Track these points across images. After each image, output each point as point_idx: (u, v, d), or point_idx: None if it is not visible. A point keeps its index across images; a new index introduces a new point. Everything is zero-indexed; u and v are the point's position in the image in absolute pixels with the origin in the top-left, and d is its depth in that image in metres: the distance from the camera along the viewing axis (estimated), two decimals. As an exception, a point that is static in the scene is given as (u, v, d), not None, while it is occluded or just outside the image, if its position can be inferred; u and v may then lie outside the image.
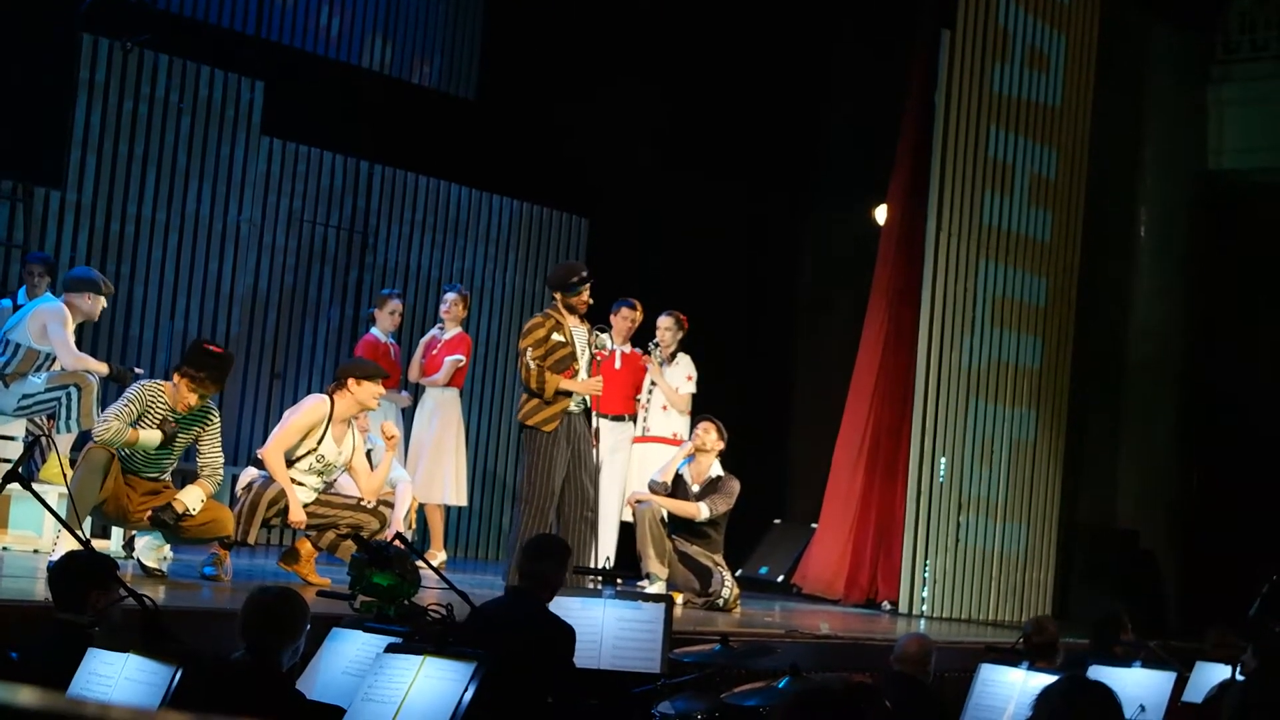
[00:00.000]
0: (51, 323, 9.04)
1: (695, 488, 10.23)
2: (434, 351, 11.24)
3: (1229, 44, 14.72)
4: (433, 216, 13.56)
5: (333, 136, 12.84)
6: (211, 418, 8.40)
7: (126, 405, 8.11)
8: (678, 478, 10.25)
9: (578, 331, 9.65)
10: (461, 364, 11.21)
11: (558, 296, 9.69)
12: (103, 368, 9.33)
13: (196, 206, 12.05)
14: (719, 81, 14.16)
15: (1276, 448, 14.08)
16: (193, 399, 8.23)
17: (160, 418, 8.18)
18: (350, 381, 8.80)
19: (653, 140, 13.97)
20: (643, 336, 11.23)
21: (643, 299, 11.18)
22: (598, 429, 10.02)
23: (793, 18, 14.30)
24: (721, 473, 10.29)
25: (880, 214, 13.26)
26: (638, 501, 10.17)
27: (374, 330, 11.23)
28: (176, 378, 8.25)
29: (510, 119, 13.79)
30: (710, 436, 10.26)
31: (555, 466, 9.46)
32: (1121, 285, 14.26)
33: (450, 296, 11.31)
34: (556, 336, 9.54)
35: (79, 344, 9.44)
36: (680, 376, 11.11)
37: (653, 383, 11.11)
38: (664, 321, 11.17)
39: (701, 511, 10.11)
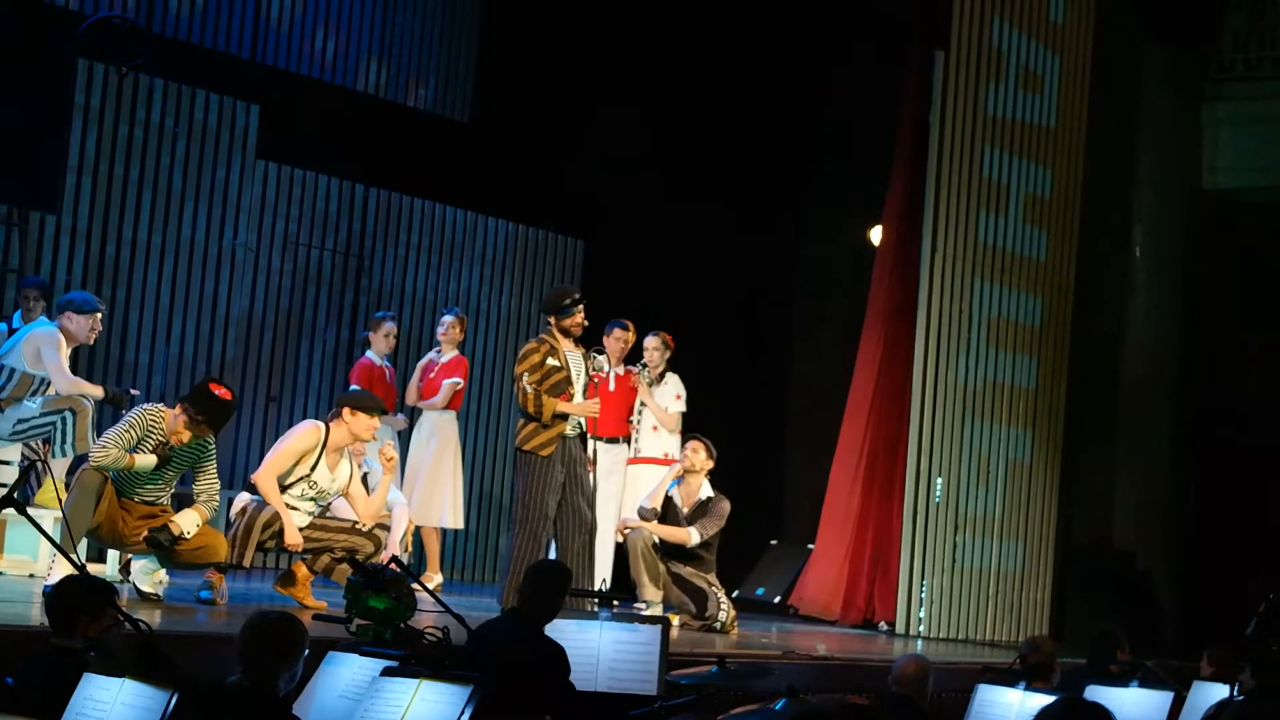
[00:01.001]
0: (45, 347, 9.01)
1: (685, 510, 10.21)
2: (431, 375, 11.24)
3: (1223, 63, 14.74)
4: (428, 239, 13.56)
5: (328, 159, 12.84)
6: (208, 446, 8.40)
7: (126, 430, 8.11)
8: (667, 500, 10.23)
9: (572, 356, 9.66)
10: (459, 387, 11.21)
11: (552, 320, 9.72)
12: (98, 391, 9.32)
13: (192, 230, 12.05)
14: (714, 103, 14.17)
15: (1273, 466, 14.08)
16: (185, 436, 8.22)
17: (157, 441, 8.17)
18: (346, 411, 8.80)
19: (648, 162, 13.97)
20: (636, 357, 11.24)
21: (639, 320, 11.18)
22: (595, 451, 10.02)
23: (788, 40, 14.32)
24: (712, 493, 10.26)
25: (875, 234, 13.28)
26: (628, 529, 10.16)
27: (369, 353, 11.22)
28: (178, 409, 8.23)
29: (505, 141, 13.80)
30: (699, 456, 10.24)
31: (549, 490, 9.46)
32: (1117, 304, 14.26)
33: (447, 319, 11.31)
34: (551, 361, 9.55)
35: (74, 368, 9.42)
36: (669, 396, 11.12)
37: (642, 403, 11.13)
38: (650, 342, 11.18)
39: (692, 537, 10.09)
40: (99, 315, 9.34)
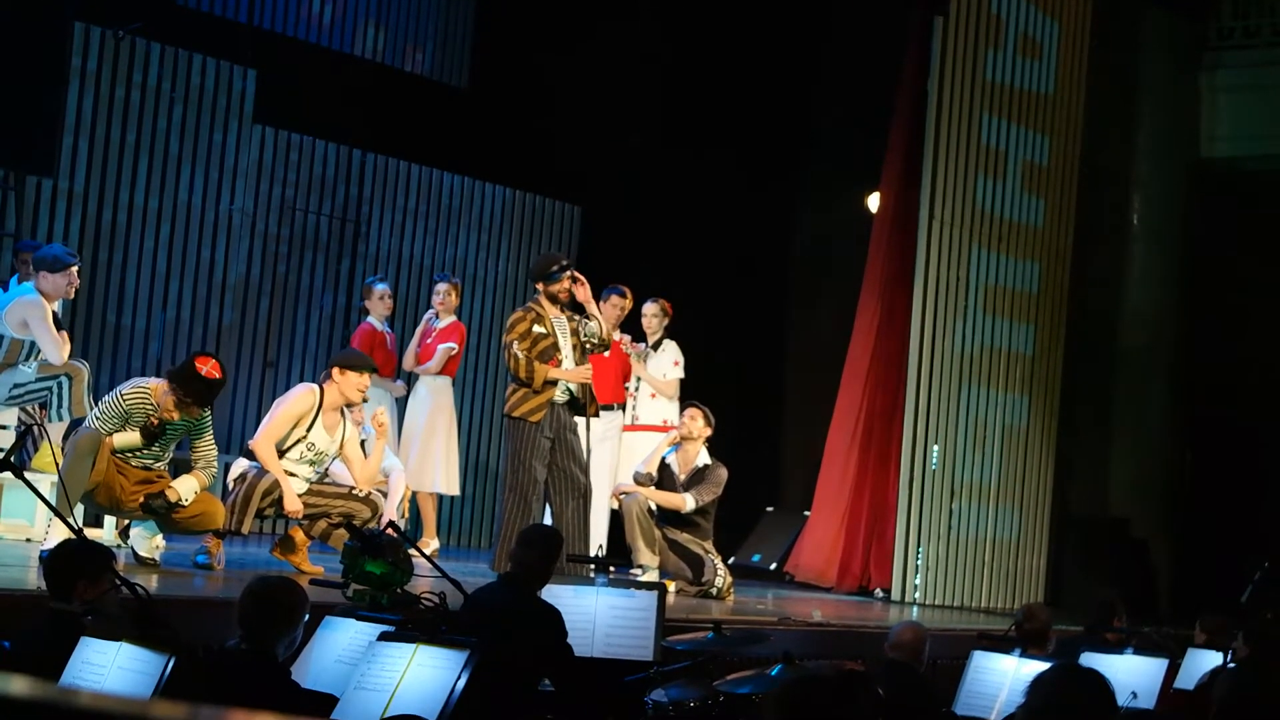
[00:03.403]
0: (31, 319, 8.84)
1: (682, 477, 10.21)
2: (428, 340, 11.23)
3: (1222, 30, 14.72)
4: (425, 204, 13.55)
5: (325, 124, 12.82)
6: (203, 414, 8.37)
7: (108, 419, 8.06)
8: (665, 467, 10.23)
9: (558, 322, 9.68)
10: (455, 352, 11.20)
11: (540, 287, 9.74)
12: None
13: (189, 195, 12.04)
14: (711, 69, 14.14)
15: (1269, 434, 14.10)
16: (176, 415, 8.19)
17: (144, 418, 8.14)
18: (335, 371, 8.78)
19: (645, 128, 13.96)
20: (633, 325, 11.22)
21: (636, 286, 11.17)
22: (590, 417, 10.01)
23: (785, 5, 14.28)
24: (709, 460, 10.25)
25: (873, 201, 13.26)
26: (623, 494, 10.17)
27: (370, 319, 11.22)
28: (166, 385, 8.17)
29: (502, 107, 13.77)
30: (697, 424, 10.22)
31: (536, 455, 9.48)
32: (1114, 272, 14.26)
33: (442, 287, 11.28)
34: (538, 329, 9.57)
35: (71, 334, 9.35)
36: (667, 363, 11.11)
37: (638, 376, 11.14)
38: (649, 309, 11.17)
39: (687, 503, 10.08)
40: (74, 269, 9.05)
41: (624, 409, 11.14)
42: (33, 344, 9.02)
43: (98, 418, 8.11)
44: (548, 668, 6.16)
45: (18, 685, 2.23)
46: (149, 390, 8.18)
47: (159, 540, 8.39)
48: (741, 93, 14.32)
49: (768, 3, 14.22)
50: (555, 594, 6.44)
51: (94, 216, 11.58)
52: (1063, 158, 13.18)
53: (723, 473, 10.22)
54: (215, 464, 8.48)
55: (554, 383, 9.58)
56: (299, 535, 8.80)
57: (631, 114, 13.91)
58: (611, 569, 7.80)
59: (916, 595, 12.08)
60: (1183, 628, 9.45)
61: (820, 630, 9.19)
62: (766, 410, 14.79)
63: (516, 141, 13.82)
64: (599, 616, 6.66)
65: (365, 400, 9.19)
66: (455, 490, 11.40)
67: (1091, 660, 6.92)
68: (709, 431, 10.28)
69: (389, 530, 6.02)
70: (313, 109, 12.74)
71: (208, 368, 8.15)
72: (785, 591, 12.15)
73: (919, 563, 12.13)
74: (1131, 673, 7.14)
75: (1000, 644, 6.96)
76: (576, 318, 9.89)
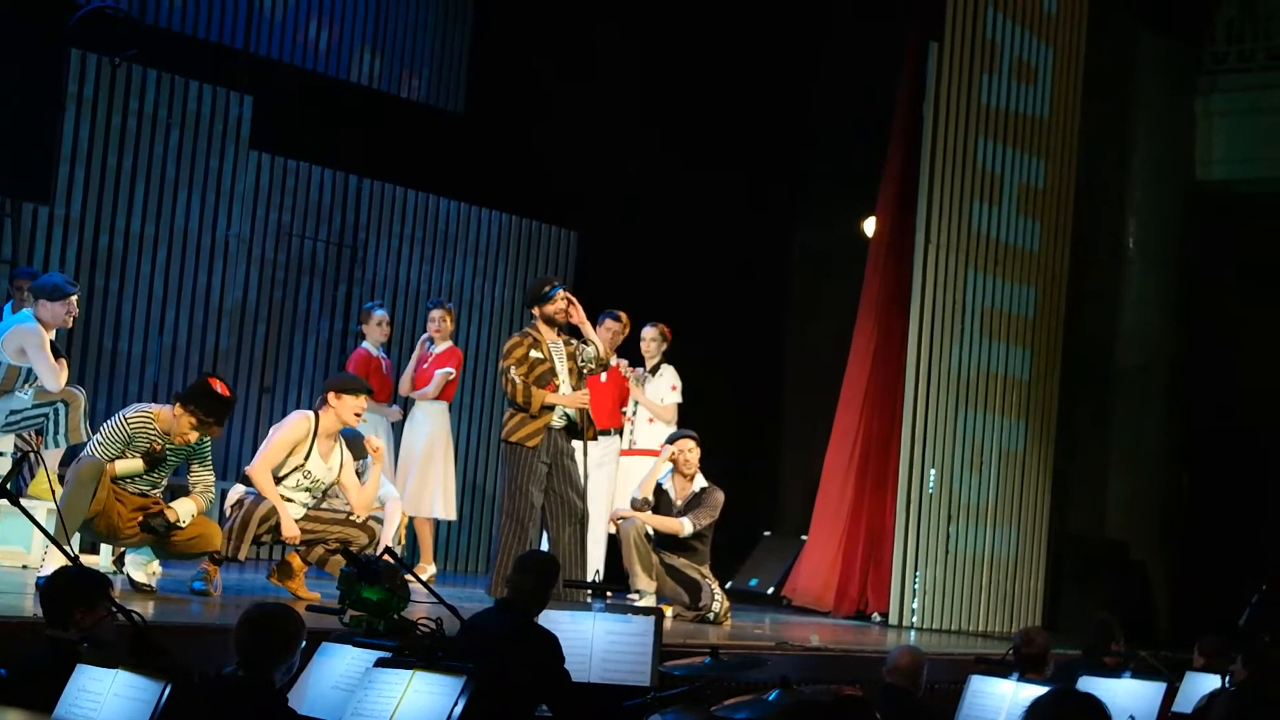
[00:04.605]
0: (29, 347, 8.78)
1: (679, 502, 10.19)
2: (425, 365, 11.24)
3: (1216, 54, 14.77)
4: (421, 230, 13.55)
5: (321, 150, 12.82)
6: (203, 439, 8.36)
7: (111, 444, 8.05)
8: (661, 491, 10.21)
9: (555, 347, 9.69)
10: (452, 377, 11.21)
11: (535, 311, 9.76)
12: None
13: (185, 221, 12.04)
14: (707, 93, 14.16)
15: (1266, 457, 14.11)
16: (192, 436, 8.19)
17: (147, 443, 8.13)
18: (330, 395, 8.79)
19: (642, 153, 13.97)
20: (631, 349, 11.22)
21: (632, 311, 11.17)
22: (585, 443, 10.01)
23: (780, 31, 14.32)
24: (705, 484, 10.24)
25: (869, 225, 13.27)
26: (620, 519, 10.15)
27: (365, 344, 11.22)
28: (178, 409, 8.16)
29: (498, 132, 13.79)
30: (696, 455, 10.20)
31: (533, 480, 9.49)
32: (1110, 295, 14.28)
33: (436, 313, 11.29)
34: (535, 353, 9.59)
35: (67, 360, 9.34)
36: (665, 388, 11.11)
37: (636, 400, 11.13)
38: (648, 333, 11.17)
39: (685, 528, 10.06)
40: (74, 298, 8.99)
41: (621, 434, 11.14)
42: (29, 370, 8.99)
43: (99, 444, 8.09)
44: (545, 693, 6.15)
45: (13, 718, 2.24)
46: (152, 415, 8.17)
47: (155, 566, 8.37)
48: (738, 115, 14.34)
49: (764, 28, 14.25)
50: (552, 619, 6.43)
51: (90, 243, 11.57)
52: (1058, 181, 13.20)
53: (719, 496, 10.21)
54: (213, 489, 8.47)
55: (551, 408, 9.58)
56: (296, 561, 8.80)
57: (628, 138, 13.92)
58: (608, 594, 7.80)
59: (914, 619, 12.06)
60: (1181, 651, 9.45)
61: (818, 655, 9.18)
62: (764, 434, 14.79)
63: (513, 167, 13.83)
64: (596, 642, 6.65)
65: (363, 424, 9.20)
66: (453, 515, 11.40)
67: (1089, 684, 6.92)
68: (699, 451, 10.25)
69: (385, 556, 6.02)
70: (309, 135, 12.75)
71: (220, 387, 8.18)
72: (783, 616, 12.13)
73: (916, 586, 12.11)
74: (1129, 696, 7.13)
75: (998, 668, 6.95)
76: (574, 342, 9.89)
